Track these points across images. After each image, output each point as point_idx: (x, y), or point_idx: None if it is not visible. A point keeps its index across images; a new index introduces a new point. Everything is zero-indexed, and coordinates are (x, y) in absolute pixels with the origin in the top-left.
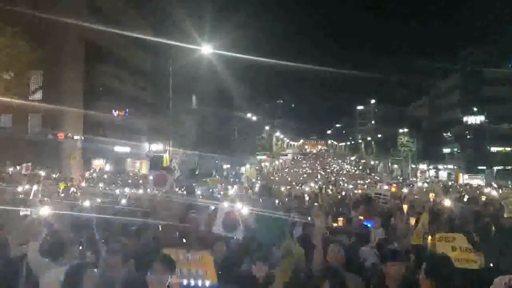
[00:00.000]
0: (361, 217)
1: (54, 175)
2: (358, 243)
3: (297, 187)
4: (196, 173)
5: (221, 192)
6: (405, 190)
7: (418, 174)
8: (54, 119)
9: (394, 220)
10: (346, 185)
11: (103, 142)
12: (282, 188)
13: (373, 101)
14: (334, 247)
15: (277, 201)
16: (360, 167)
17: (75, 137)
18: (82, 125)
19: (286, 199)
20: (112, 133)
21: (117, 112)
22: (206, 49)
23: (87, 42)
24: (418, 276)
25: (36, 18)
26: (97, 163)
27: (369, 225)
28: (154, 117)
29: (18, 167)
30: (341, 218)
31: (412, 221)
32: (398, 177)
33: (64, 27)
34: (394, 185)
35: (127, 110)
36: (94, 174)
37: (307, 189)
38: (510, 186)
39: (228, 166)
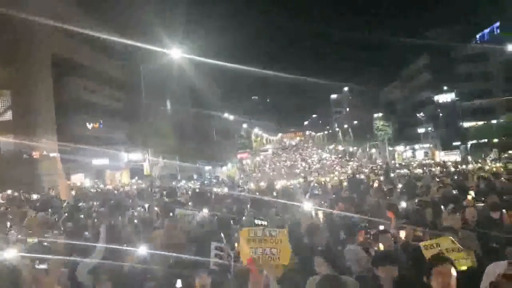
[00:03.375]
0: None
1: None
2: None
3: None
4: (178, 178)
5: None
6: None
7: (396, 156)
8: (26, 138)
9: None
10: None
11: (80, 156)
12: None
13: (346, 88)
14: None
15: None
16: (340, 155)
17: (51, 155)
18: (57, 142)
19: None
20: (89, 146)
21: (91, 124)
22: (176, 53)
23: (54, 57)
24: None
25: None
26: (76, 178)
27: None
28: (130, 125)
29: None
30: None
31: None
32: (378, 161)
33: (29, 43)
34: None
35: (101, 121)
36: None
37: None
38: (484, 158)
39: (210, 167)
